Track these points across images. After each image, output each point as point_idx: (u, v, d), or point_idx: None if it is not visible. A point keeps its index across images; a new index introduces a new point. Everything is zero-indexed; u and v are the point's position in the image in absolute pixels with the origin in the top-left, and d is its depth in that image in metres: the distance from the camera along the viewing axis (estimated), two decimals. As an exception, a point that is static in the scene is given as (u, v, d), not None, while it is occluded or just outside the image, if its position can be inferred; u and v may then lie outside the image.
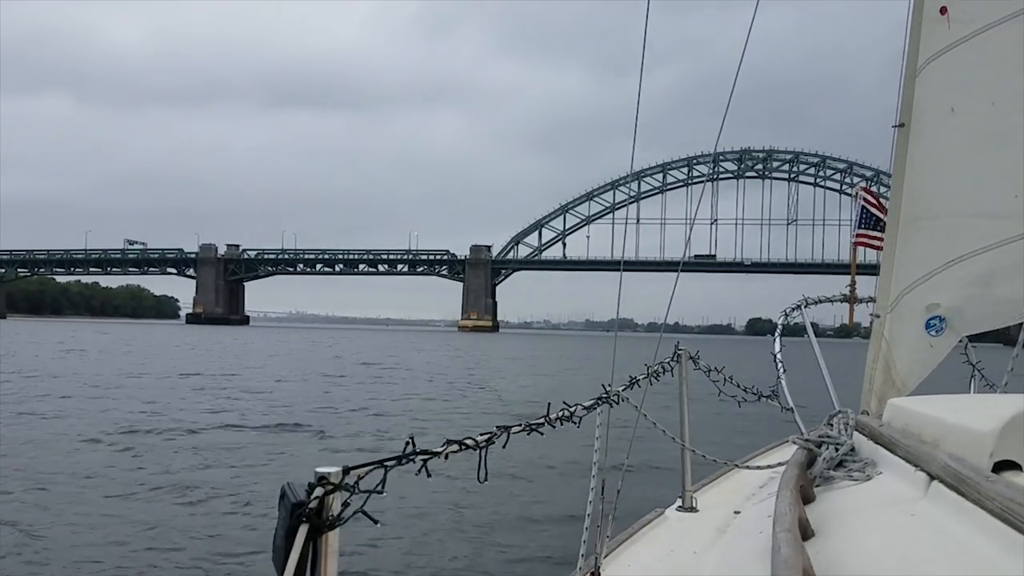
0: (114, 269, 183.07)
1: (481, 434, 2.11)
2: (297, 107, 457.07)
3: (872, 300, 4.74)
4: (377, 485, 1.64)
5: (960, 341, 4.42)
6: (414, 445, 1.82)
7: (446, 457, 1.93)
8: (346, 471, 1.59)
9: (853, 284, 5.56)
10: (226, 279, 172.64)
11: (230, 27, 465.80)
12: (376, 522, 1.61)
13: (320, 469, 1.57)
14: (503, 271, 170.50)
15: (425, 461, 1.82)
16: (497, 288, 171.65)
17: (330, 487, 1.55)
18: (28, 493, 11.22)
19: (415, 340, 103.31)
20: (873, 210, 5.36)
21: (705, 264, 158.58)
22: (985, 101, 3.93)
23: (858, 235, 5.36)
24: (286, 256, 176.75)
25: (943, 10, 4.02)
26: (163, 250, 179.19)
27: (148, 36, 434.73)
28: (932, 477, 2.16)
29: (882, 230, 5.11)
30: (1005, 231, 3.91)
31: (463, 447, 2.00)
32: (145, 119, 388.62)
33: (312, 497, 1.53)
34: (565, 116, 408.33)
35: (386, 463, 1.70)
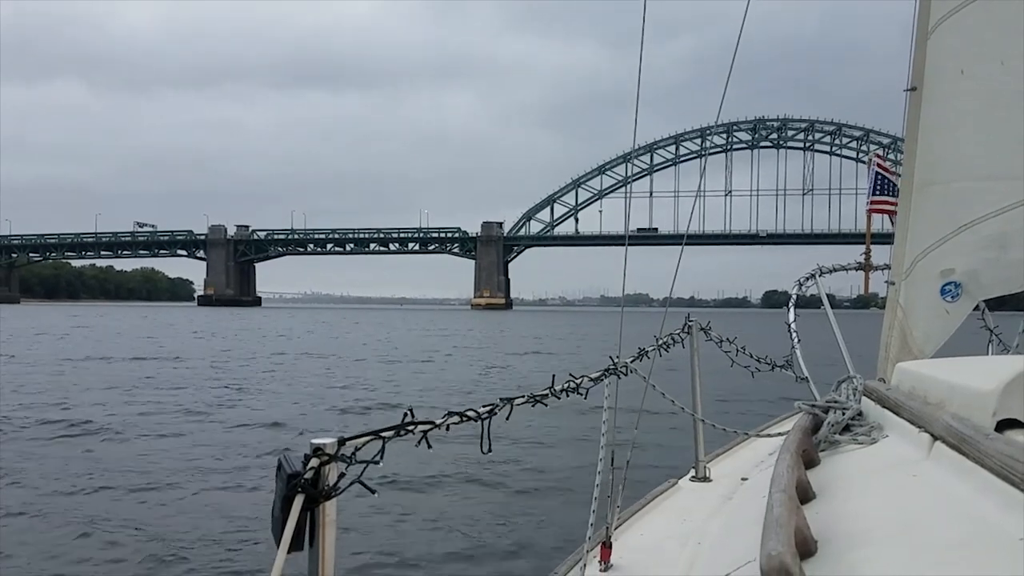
0: (124, 252, 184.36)
1: (483, 406, 2.10)
2: (309, 88, 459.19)
3: (887, 267, 4.69)
4: (375, 456, 1.64)
5: (977, 307, 4.38)
6: (413, 416, 1.81)
7: (447, 428, 1.91)
8: (341, 442, 1.60)
9: (868, 252, 5.51)
10: (236, 260, 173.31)
11: (243, 9, 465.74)
12: (373, 492, 1.63)
13: (315, 440, 1.58)
14: (515, 248, 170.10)
15: (425, 432, 1.81)
16: (510, 265, 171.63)
17: (325, 458, 1.56)
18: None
19: (413, 320, 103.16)
20: (887, 175, 5.29)
21: (723, 237, 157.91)
22: (994, 62, 3.87)
23: (872, 202, 5.30)
24: (296, 236, 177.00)
25: None
26: (172, 232, 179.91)
27: (161, 20, 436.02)
28: (935, 438, 2.15)
29: (896, 195, 5.06)
30: (1018, 193, 3.86)
31: (464, 418, 1.99)
32: (157, 103, 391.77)
33: (307, 468, 1.54)
34: (578, 91, 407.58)
35: (383, 434, 1.70)
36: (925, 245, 4.10)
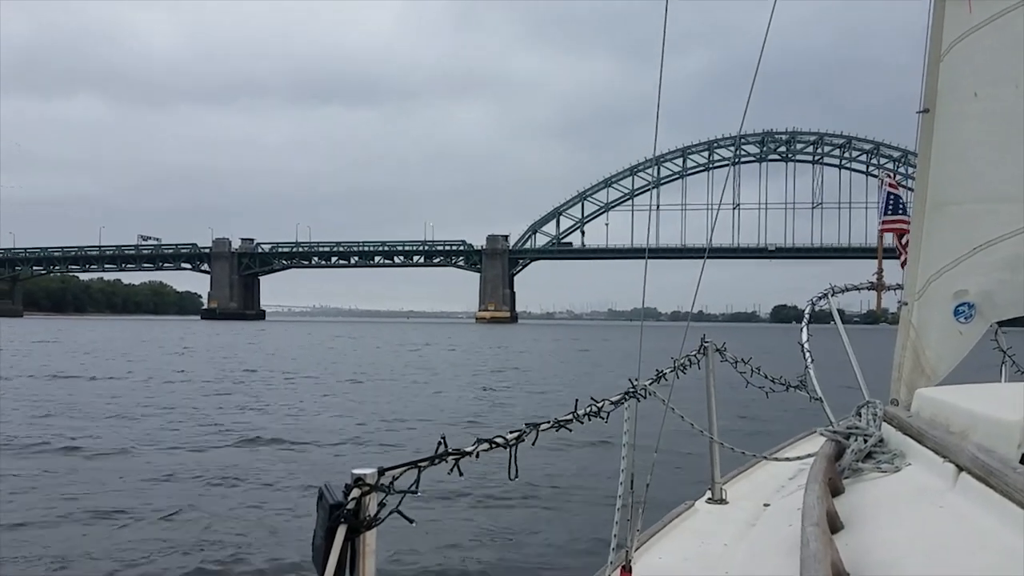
0: (128, 265, 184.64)
1: (511, 432, 2.13)
2: (323, 103, 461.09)
3: (900, 287, 4.70)
4: (411, 485, 1.66)
5: (991, 327, 4.39)
6: (446, 445, 1.83)
7: (477, 456, 1.94)
8: (381, 472, 1.62)
9: (880, 272, 5.52)
10: (240, 273, 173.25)
11: (261, 26, 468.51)
12: (412, 521, 1.64)
13: (356, 471, 1.60)
14: (520, 261, 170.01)
15: (457, 460, 1.84)
16: (516, 278, 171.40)
17: (366, 488, 1.58)
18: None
19: (407, 334, 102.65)
20: (899, 192, 5.32)
21: (731, 250, 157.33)
22: (1008, 84, 3.89)
23: (884, 222, 5.32)
24: (301, 249, 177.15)
25: None
26: (176, 245, 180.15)
27: (178, 35, 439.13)
28: (960, 468, 2.17)
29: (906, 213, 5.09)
30: None
31: (493, 445, 2.02)
32: (171, 118, 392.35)
33: (349, 498, 1.56)
34: (590, 106, 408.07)
35: (420, 464, 1.72)
36: (939, 266, 4.11)
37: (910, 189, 5.15)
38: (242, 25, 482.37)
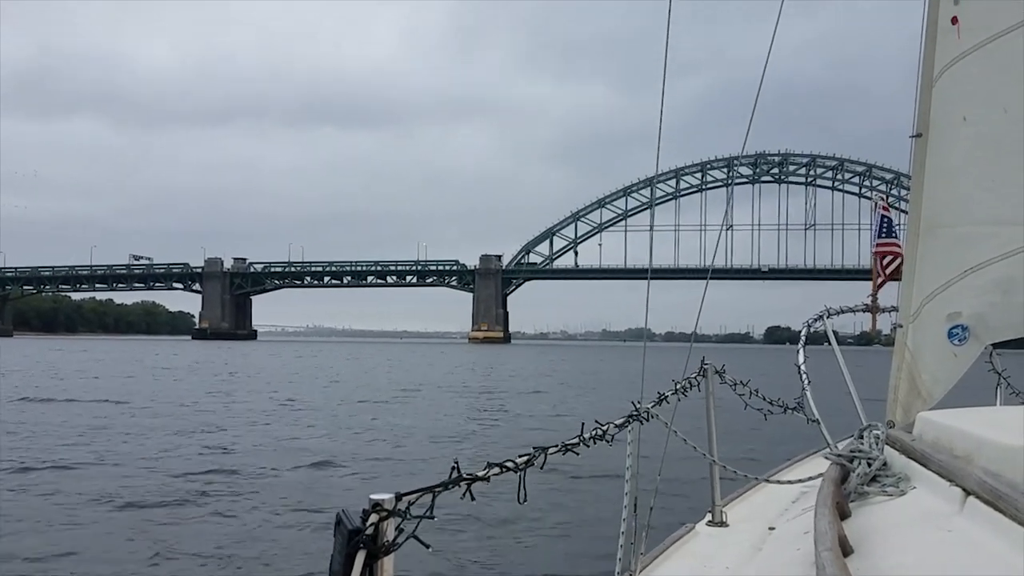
0: (120, 285, 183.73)
1: (520, 456, 2.16)
2: (320, 125, 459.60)
3: (895, 309, 4.74)
4: (427, 510, 1.69)
5: (985, 349, 4.42)
6: (459, 470, 1.86)
7: (488, 480, 1.97)
8: (398, 497, 1.64)
9: (875, 293, 5.55)
10: (232, 293, 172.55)
11: (258, 47, 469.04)
12: (428, 546, 1.65)
13: (374, 496, 1.62)
14: (514, 281, 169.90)
15: (469, 485, 1.87)
16: (509, 298, 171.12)
17: (384, 514, 1.60)
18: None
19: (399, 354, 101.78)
20: (891, 215, 5.36)
21: (724, 271, 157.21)
22: (997, 109, 3.96)
23: (878, 244, 5.35)
24: (293, 269, 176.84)
25: (954, 20, 4.07)
26: (168, 265, 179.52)
27: (175, 56, 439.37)
28: (967, 492, 2.19)
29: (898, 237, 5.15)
30: (1021, 238, 3.93)
31: (504, 469, 2.05)
32: (167, 139, 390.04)
33: (368, 524, 1.58)
34: (589, 130, 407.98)
35: (435, 489, 1.75)
36: (932, 288, 4.15)
37: (903, 211, 5.20)
38: (240, 47, 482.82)
